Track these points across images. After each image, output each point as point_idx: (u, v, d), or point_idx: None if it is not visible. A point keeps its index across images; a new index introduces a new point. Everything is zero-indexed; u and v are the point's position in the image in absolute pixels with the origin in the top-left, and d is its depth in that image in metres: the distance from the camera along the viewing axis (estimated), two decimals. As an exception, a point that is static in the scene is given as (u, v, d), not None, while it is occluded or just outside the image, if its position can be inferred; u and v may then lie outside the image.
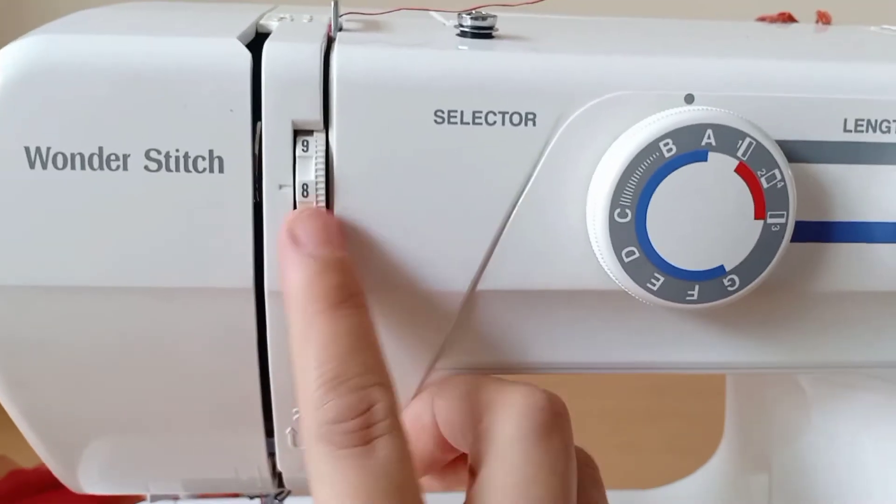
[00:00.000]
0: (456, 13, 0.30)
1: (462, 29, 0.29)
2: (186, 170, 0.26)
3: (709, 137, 0.25)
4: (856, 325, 0.30)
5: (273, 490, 0.35)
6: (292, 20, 0.31)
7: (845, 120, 0.27)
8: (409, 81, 0.26)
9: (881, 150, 0.27)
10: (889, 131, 0.27)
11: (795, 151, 0.27)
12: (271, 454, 0.32)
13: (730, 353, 0.29)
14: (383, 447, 0.23)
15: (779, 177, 0.26)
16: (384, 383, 0.24)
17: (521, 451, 0.25)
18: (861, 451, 0.36)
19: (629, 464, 0.58)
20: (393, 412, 0.24)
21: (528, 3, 0.33)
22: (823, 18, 0.41)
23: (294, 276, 0.25)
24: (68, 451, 0.32)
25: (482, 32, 0.29)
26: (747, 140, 0.25)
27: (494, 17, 0.29)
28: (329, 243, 0.25)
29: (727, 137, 0.25)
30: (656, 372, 0.30)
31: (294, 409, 0.30)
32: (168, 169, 0.25)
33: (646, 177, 0.25)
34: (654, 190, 0.25)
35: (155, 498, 0.39)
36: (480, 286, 0.27)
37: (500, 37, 0.30)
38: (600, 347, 0.29)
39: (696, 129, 0.25)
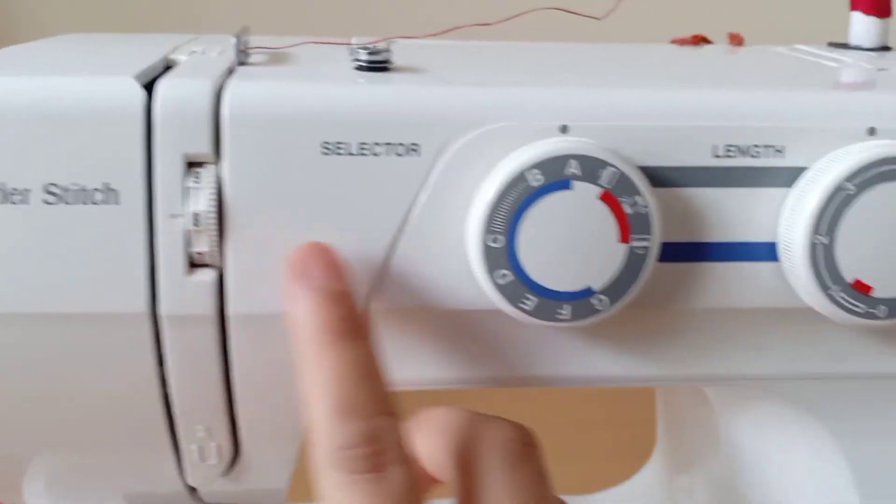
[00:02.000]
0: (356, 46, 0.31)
1: (359, 63, 0.31)
2: (84, 202, 0.27)
3: (572, 167, 0.26)
4: (738, 339, 0.31)
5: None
6: (203, 53, 0.33)
7: (714, 146, 0.28)
8: (296, 114, 0.27)
9: (752, 174, 0.29)
10: (758, 156, 0.29)
11: (666, 177, 0.28)
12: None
13: (612, 366, 0.31)
14: (394, 474, 0.24)
15: (641, 203, 0.27)
16: (392, 413, 0.25)
17: (497, 480, 0.26)
18: (765, 459, 0.38)
19: (564, 472, 0.60)
20: (400, 441, 0.25)
21: (433, 35, 0.35)
22: (735, 40, 0.43)
23: (301, 309, 0.26)
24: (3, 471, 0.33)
25: (377, 66, 0.31)
26: (610, 169, 0.27)
27: (389, 51, 0.31)
28: (333, 277, 0.27)
29: (590, 167, 0.27)
30: (545, 386, 0.31)
31: (197, 426, 0.31)
32: (66, 202, 0.27)
33: (515, 205, 0.27)
34: (522, 217, 0.27)
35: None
36: (371, 307, 0.29)
37: (395, 69, 0.31)
38: (489, 363, 0.31)
39: (560, 160, 0.26)
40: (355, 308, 0.27)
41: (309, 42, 0.34)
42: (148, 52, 0.32)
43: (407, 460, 0.25)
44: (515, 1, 0.39)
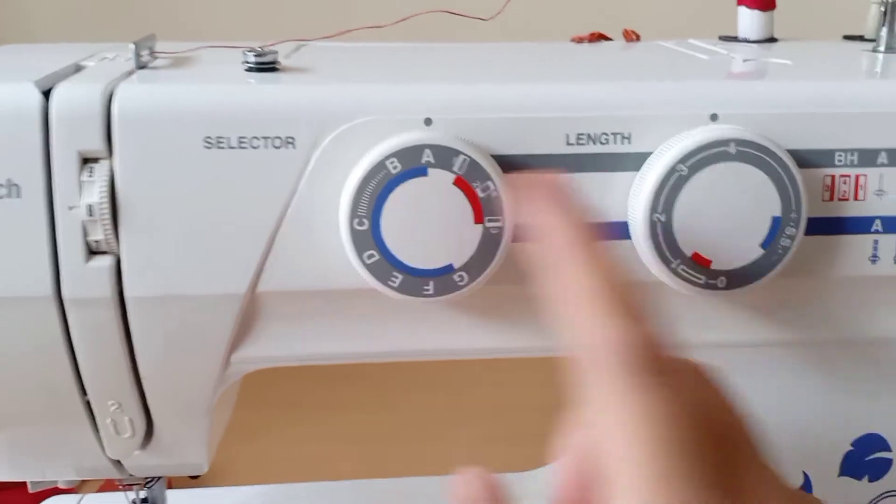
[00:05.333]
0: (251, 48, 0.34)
1: (248, 65, 0.33)
2: (-12, 196, 0.30)
3: (427, 156, 0.29)
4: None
5: (122, 476, 0.39)
6: (112, 59, 0.36)
7: (567, 135, 0.31)
8: (179, 113, 0.30)
9: (602, 159, 0.31)
10: (607, 143, 0.31)
11: (522, 164, 0.31)
12: (109, 443, 0.36)
13: (486, 339, 0.33)
14: (683, 374, 0.24)
15: (492, 187, 0.30)
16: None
17: None
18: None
19: (497, 454, 0.63)
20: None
21: (327, 38, 0.37)
22: (629, 36, 0.45)
23: (557, 218, 0.26)
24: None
25: (266, 66, 0.33)
26: (461, 157, 0.29)
27: (275, 52, 0.34)
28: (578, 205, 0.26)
29: (443, 155, 0.29)
30: (427, 359, 0.34)
31: (109, 401, 0.34)
32: (-27, 196, 0.30)
33: (377, 190, 0.29)
34: (384, 201, 0.29)
35: (35, 485, 0.44)
36: (259, 289, 0.32)
37: (284, 69, 0.34)
38: (377, 338, 0.33)
39: (416, 150, 0.29)
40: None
41: (209, 46, 0.37)
42: (64, 60, 0.35)
43: (692, 369, 0.24)
44: (420, 3, 0.42)
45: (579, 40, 0.45)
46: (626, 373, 0.23)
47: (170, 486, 0.68)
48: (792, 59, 0.38)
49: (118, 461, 0.37)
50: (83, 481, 0.66)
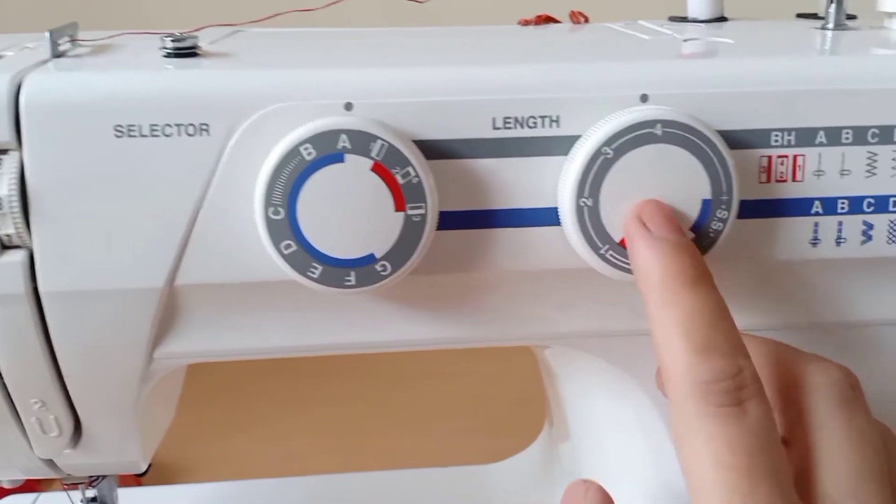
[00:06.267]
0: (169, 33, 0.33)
1: (166, 51, 0.32)
2: None
3: (344, 141, 0.28)
4: (537, 301, 0.33)
5: (59, 475, 0.39)
6: (33, 49, 0.35)
7: (494, 118, 0.30)
8: (88, 101, 0.29)
9: (530, 143, 0.30)
10: (536, 126, 0.30)
11: (447, 149, 0.30)
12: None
13: (423, 330, 0.32)
14: (754, 408, 0.25)
15: (413, 173, 0.29)
16: (745, 353, 0.26)
17: (834, 424, 0.27)
18: (599, 420, 0.40)
19: (473, 445, 0.62)
20: (756, 378, 0.26)
21: (253, 23, 0.36)
22: (576, 18, 0.44)
23: (648, 256, 0.28)
24: None
25: (185, 52, 0.32)
26: (379, 142, 0.28)
27: (195, 38, 0.33)
28: (675, 230, 0.28)
29: (360, 140, 0.28)
30: (354, 352, 0.33)
31: (31, 399, 0.33)
32: None
33: (292, 178, 0.28)
34: (300, 189, 0.28)
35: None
36: (178, 282, 0.31)
37: (204, 55, 0.33)
38: (302, 332, 0.32)
39: (332, 135, 0.28)
40: (699, 256, 0.28)
41: (133, 33, 0.36)
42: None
43: (765, 397, 0.26)
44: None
45: (525, 23, 0.44)
46: (696, 404, 0.25)
47: (139, 485, 0.67)
48: (736, 38, 0.37)
49: (50, 460, 0.36)
50: (51, 480, 0.66)
